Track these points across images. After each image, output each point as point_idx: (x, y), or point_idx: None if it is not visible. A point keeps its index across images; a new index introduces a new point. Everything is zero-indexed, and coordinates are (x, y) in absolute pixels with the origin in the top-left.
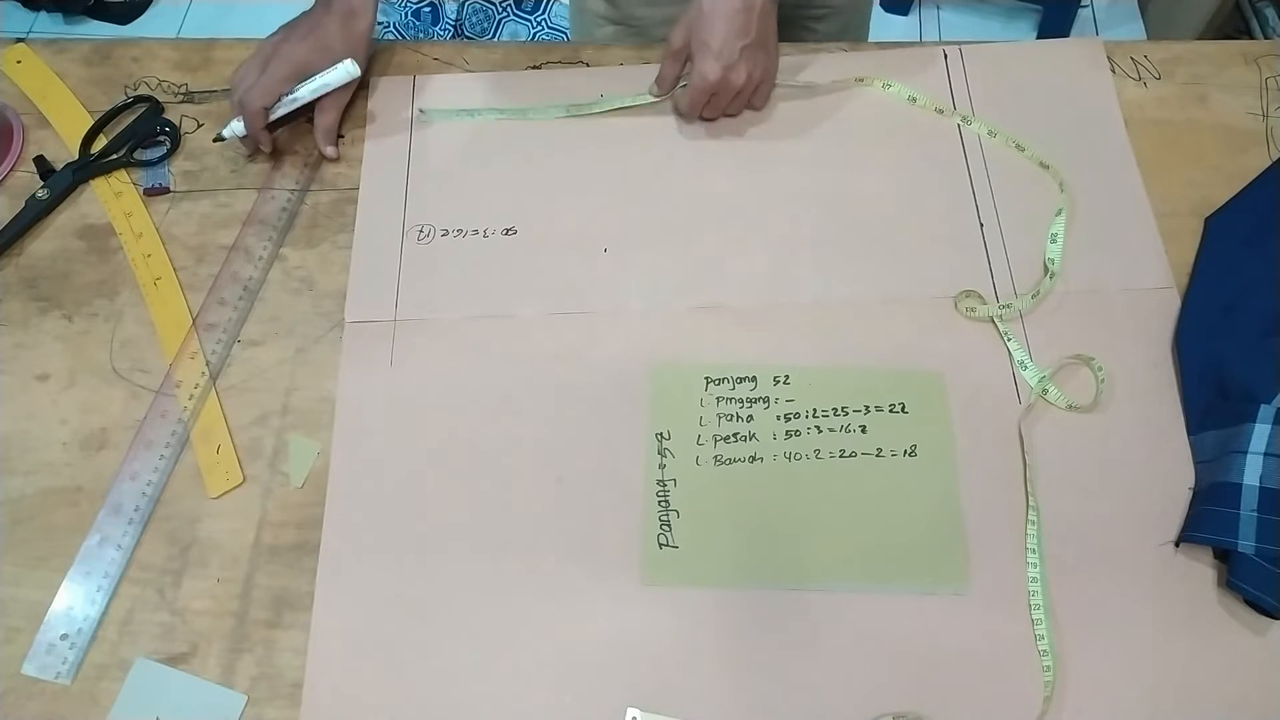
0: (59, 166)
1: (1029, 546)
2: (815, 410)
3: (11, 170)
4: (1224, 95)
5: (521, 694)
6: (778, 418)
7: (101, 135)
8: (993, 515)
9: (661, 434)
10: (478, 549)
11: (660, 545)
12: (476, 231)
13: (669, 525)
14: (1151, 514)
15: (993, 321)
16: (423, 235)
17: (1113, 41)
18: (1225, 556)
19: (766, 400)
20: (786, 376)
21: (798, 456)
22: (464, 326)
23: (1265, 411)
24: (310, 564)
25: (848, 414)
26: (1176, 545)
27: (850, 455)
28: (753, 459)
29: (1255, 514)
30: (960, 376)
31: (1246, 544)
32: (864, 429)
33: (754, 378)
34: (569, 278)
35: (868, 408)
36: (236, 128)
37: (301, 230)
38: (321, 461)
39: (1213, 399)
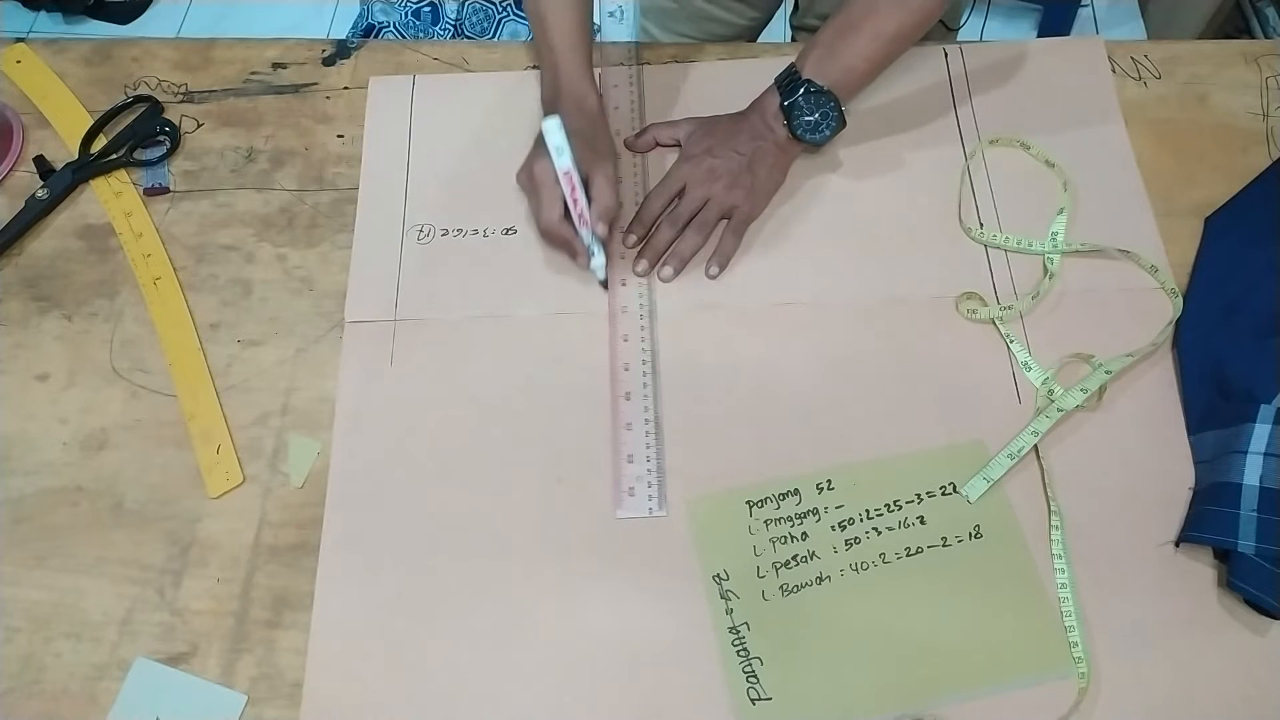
0: (59, 166)
1: (1055, 553)
2: (868, 511)
3: (11, 170)
4: (1224, 95)
5: (521, 694)
6: (832, 528)
7: (101, 135)
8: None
9: (718, 576)
10: (478, 549)
11: (753, 701)
12: (476, 231)
13: (755, 676)
14: (1151, 514)
15: (994, 323)
16: (423, 235)
17: (1113, 41)
18: (1225, 556)
19: (816, 512)
20: (829, 481)
21: (864, 566)
22: (464, 326)
23: (1265, 411)
24: (310, 564)
25: (901, 507)
26: (1176, 545)
27: (917, 551)
28: (819, 579)
29: (1255, 514)
30: (961, 378)
31: (1246, 544)
32: (922, 520)
33: (796, 490)
34: (569, 278)
35: (919, 496)
36: (600, 262)
37: (301, 230)
38: (321, 461)
39: (1213, 399)
